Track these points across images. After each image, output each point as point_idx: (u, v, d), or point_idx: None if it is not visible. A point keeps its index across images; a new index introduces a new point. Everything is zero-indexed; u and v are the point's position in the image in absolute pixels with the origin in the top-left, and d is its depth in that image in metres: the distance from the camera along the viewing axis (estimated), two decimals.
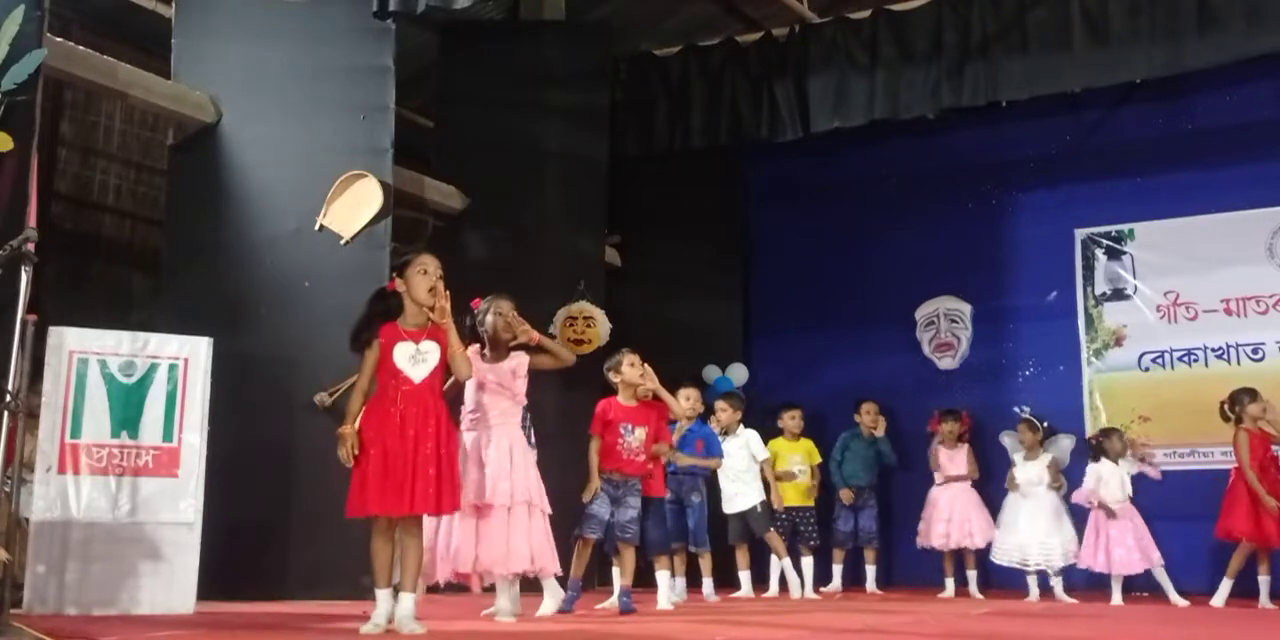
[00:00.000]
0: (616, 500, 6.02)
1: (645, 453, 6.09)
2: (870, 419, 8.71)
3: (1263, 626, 6.01)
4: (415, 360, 4.56)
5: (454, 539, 5.22)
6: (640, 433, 6.06)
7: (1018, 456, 8.09)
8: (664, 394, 6.15)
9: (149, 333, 5.79)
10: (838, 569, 8.44)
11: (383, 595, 4.45)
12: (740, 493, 7.89)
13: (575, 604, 5.90)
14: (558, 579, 5.66)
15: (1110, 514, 7.39)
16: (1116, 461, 7.52)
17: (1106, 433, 7.73)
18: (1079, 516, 7.75)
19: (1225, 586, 7.14)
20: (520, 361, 5.40)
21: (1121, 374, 8.94)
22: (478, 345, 5.40)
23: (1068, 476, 8.04)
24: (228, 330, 6.26)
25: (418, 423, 4.48)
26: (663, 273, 9.75)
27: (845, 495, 8.43)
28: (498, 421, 5.33)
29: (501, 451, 5.28)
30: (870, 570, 8.44)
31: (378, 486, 4.41)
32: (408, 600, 4.44)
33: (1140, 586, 7.55)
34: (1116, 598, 7.42)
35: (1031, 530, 7.82)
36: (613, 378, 6.21)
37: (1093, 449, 7.70)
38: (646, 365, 6.11)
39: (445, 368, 4.63)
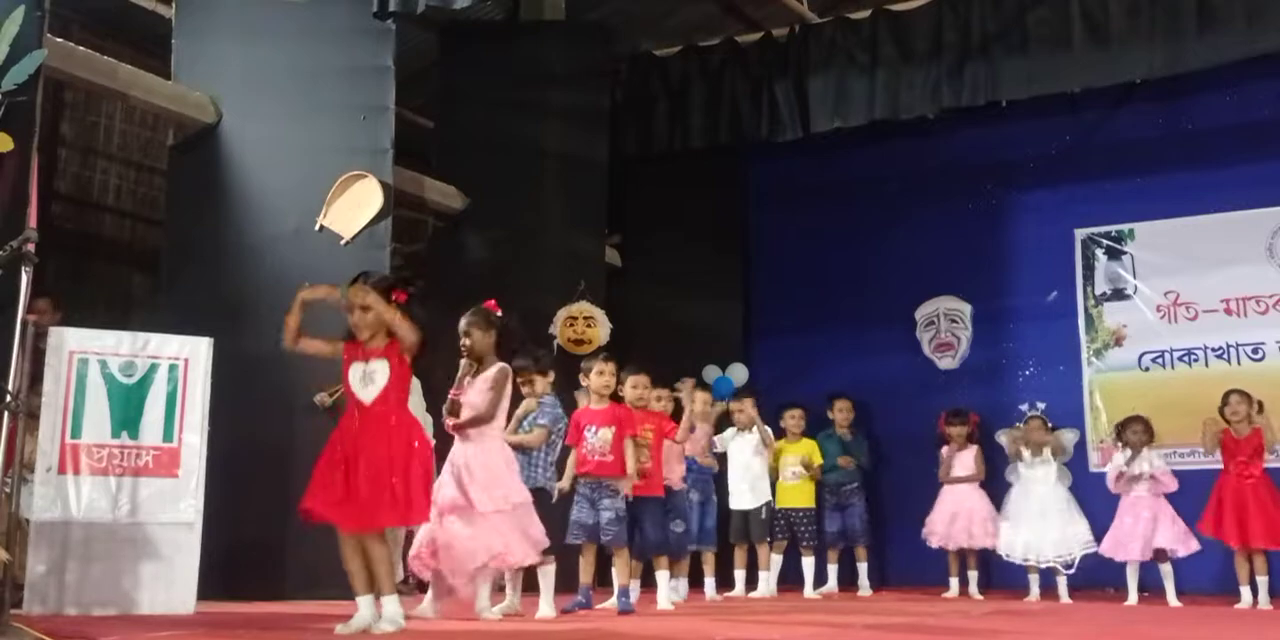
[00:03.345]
0: (594, 502, 6.03)
1: (614, 453, 6.06)
2: (843, 417, 8.71)
3: (1263, 626, 6.01)
4: (365, 381, 4.56)
5: (432, 537, 5.17)
6: (605, 433, 6.04)
7: (1025, 453, 8.00)
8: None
9: (149, 333, 5.78)
10: (833, 569, 8.44)
11: (363, 601, 4.47)
12: (747, 491, 7.94)
13: (579, 609, 5.92)
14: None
15: (1127, 495, 7.50)
16: (1129, 449, 7.54)
17: (1125, 422, 7.72)
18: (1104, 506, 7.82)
19: (1246, 593, 7.16)
20: (488, 373, 5.26)
21: (1121, 374, 8.95)
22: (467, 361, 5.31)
23: (1070, 470, 8.11)
24: (228, 330, 6.24)
25: (370, 443, 4.48)
26: (663, 273, 9.75)
27: (845, 461, 8.45)
28: (474, 433, 5.26)
29: (480, 465, 5.20)
30: (862, 568, 8.44)
31: (319, 496, 4.44)
32: (390, 602, 4.46)
33: (1142, 586, 7.54)
34: (1133, 596, 7.44)
35: (1044, 527, 7.80)
36: (582, 380, 6.23)
37: (1116, 438, 7.78)
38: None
39: (403, 384, 4.59)
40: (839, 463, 8.51)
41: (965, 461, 8.32)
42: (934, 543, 8.26)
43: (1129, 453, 7.56)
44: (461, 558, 5.13)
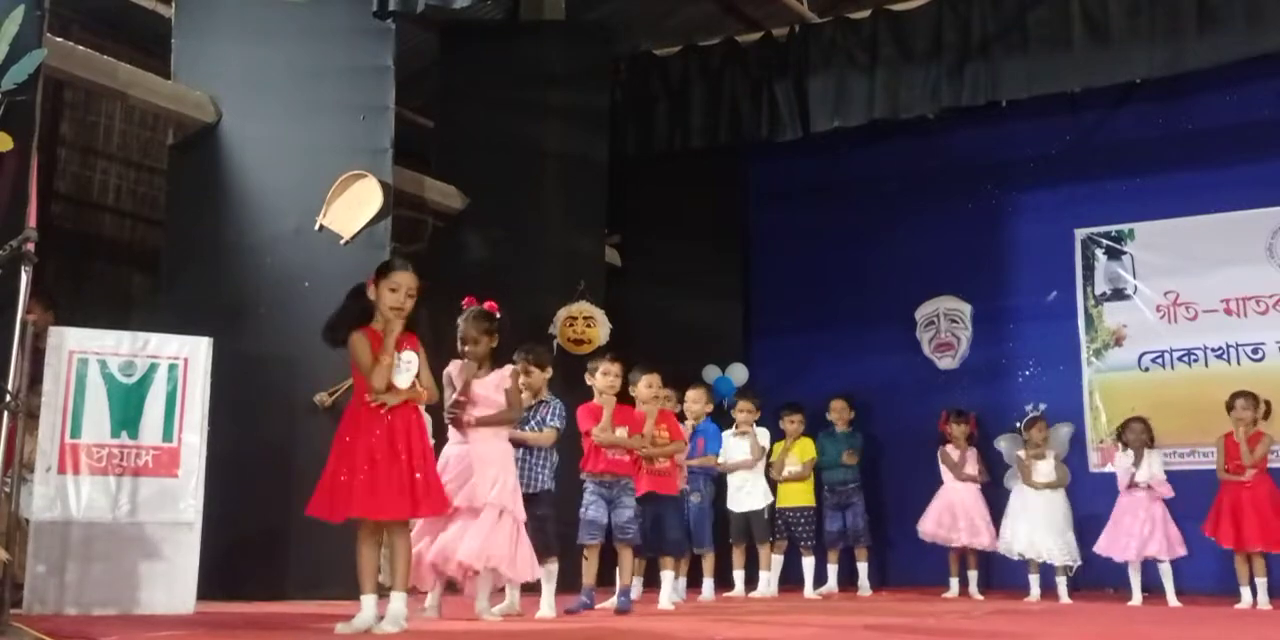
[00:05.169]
0: (611, 501, 6.03)
1: (630, 453, 6.13)
2: (839, 417, 8.69)
3: (1263, 627, 6.01)
4: (400, 369, 4.56)
5: (443, 542, 5.22)
6: (621, 433, 6.10)
7: (1023, 454, 8.04)
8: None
9: (149, 333, 5.78)
10: (833, 569, 8.43)
11: (367, 600, 4.46)
12: (749, 492, 7.92)
13: (583, 609, 5.92)
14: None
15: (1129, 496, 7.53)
16: (1130, 449, 7.56)
17: (1126, 423, 7.74)
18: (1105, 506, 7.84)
19: (1246, 593, 7.17)
20: (504, 376, 5.39)
21: (1121, 374, 8.95)
22: (461, 361, 5.40)
23: (1070, 470, 8.15)
24: (228, 330, 6.25)
25: (405, 431, 4.50)
26: (663, 273, 9.75)
27: (849, 457, 8.42)
28: (490, 435, 5.34)
29: (490, 463, 5.29)
30: (862, 568, 8.43)
31: (365, 490, 4.39)
32: (398, 600, 4.46)
33: (1143, 586, 7.54)
34: (1137, 596, 7.45)
35: (1048, 527, 7.81)
36: (588, 379, 6.22)
37: (1117, 438, 7.81)
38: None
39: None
40: (843, 459, 8.47)
41: (968, 462, 8.32)
42: (927, 537, 8.26)
43: (1131, 454, 7.56)
44: (483, 556, 5.19)
